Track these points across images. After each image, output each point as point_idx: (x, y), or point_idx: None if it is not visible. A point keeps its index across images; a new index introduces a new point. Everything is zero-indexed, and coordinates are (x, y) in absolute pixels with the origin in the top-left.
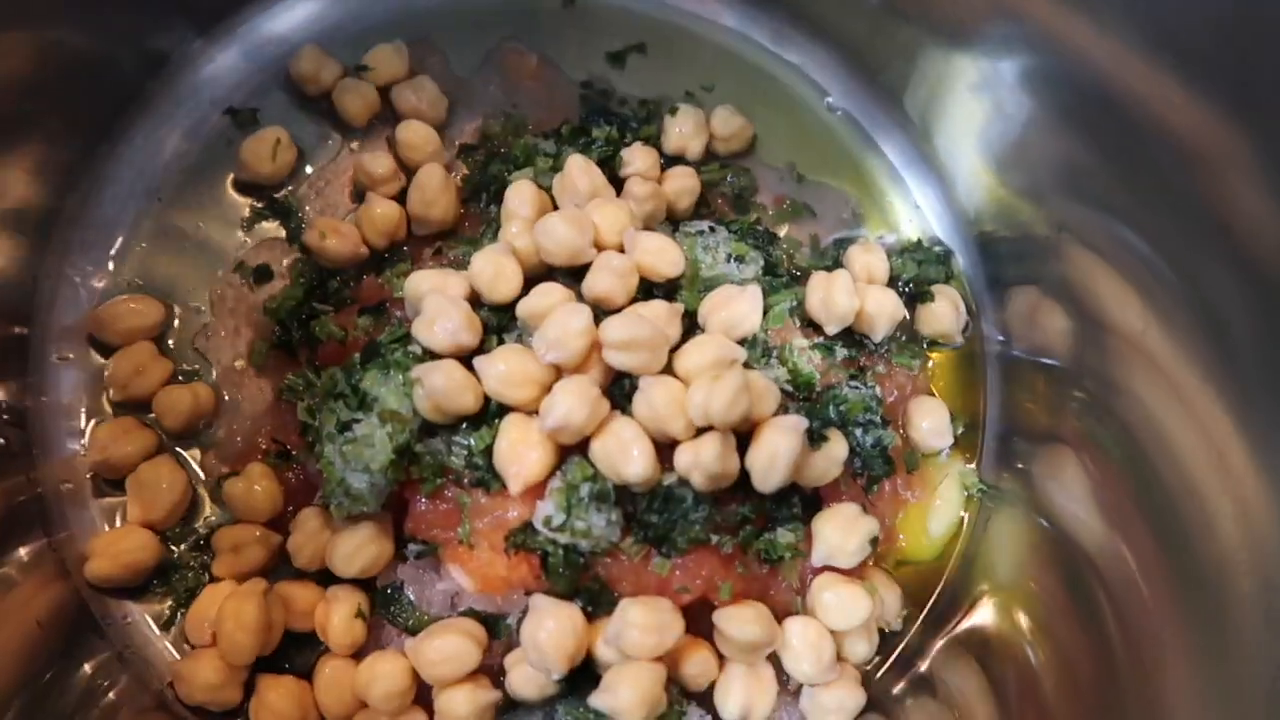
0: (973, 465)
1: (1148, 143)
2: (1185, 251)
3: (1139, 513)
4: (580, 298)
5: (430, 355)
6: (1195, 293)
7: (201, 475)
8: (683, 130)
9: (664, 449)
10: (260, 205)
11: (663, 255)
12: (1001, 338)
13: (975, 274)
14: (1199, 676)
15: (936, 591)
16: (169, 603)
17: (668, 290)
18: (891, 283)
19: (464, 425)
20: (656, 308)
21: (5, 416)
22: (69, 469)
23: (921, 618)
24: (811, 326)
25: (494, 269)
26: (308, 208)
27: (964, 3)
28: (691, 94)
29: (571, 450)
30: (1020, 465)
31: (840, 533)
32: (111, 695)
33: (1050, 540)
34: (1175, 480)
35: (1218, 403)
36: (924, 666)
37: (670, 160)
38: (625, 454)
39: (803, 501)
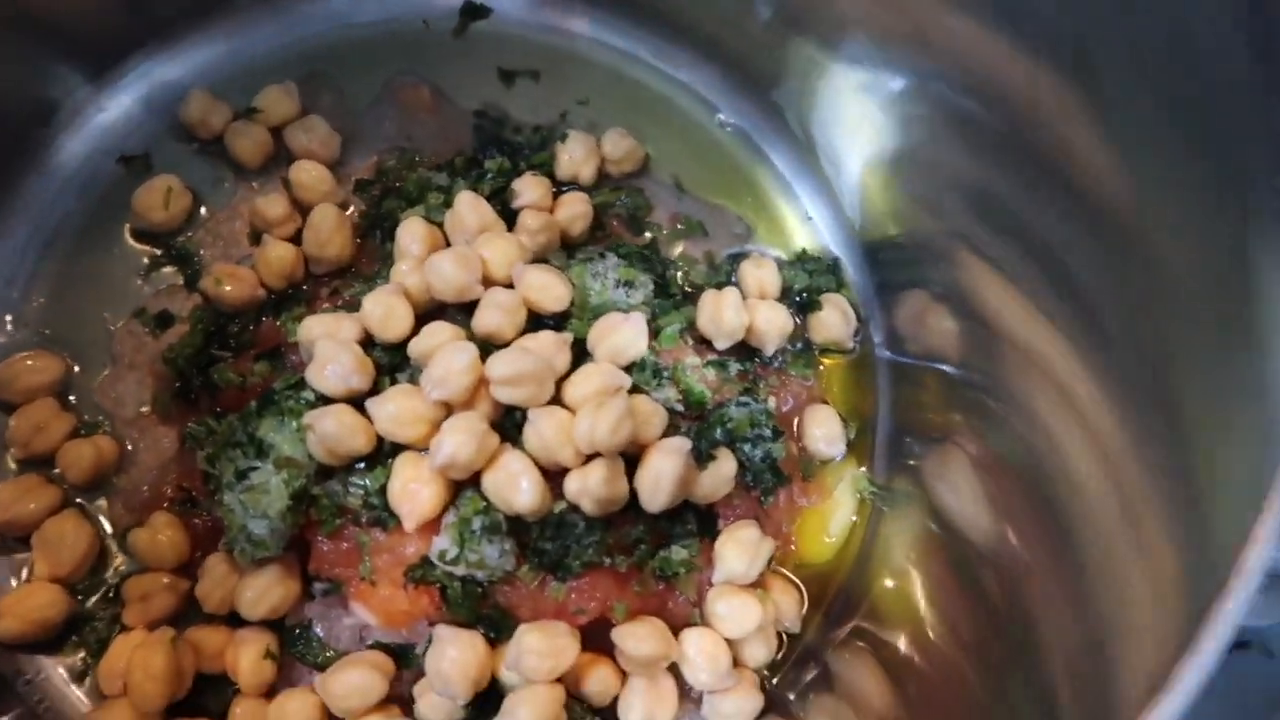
0: (865, 469)
1: (1033, 144)
2: (1067, 253)
3: (1026, 507)
4: (471, 334)
5: (324, 400)
6: (1077, 295)
7: (108, 526)
8: (574, 156)
9: (556, 476)
10: (158, 253)
11: (548, 291)
12: (891, 342)
13: (865, 281)
14: (1086, 662)
15: (833, 592)
16: (81, 655)
17: (557, 320)
18: (785, 294)
19: (359, 465)
20: (544, 339)
21: None
22: None
23: (820, 618)
24: (706, 344)
25: (384, 310)
26: (205, 252)
27: (846, 13)
28: (566, 114)
29: (464, 484)
30: (911, 464)
31: (742, 558)
32: None
33: (941, 536)
34: (1060, 475)
35: (1100, 400)
36: (823, 665)
37: (563, 186)
38: (515, 486)
39: (697, 516)
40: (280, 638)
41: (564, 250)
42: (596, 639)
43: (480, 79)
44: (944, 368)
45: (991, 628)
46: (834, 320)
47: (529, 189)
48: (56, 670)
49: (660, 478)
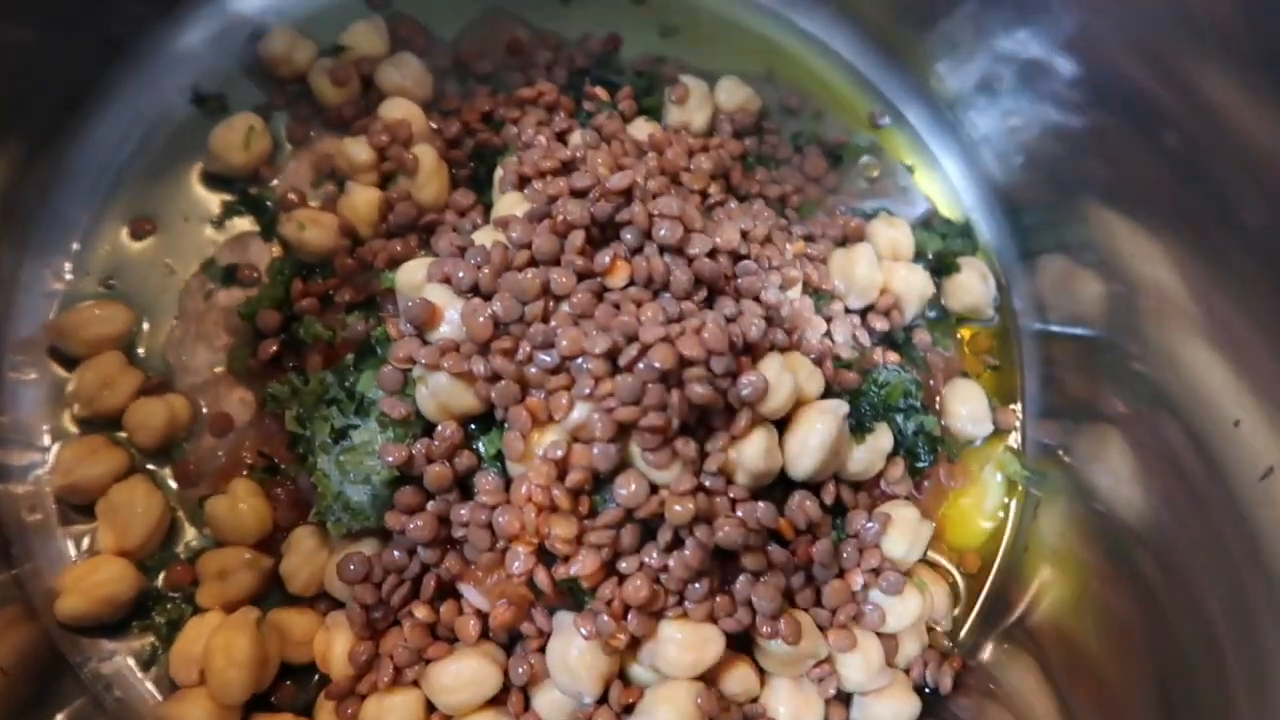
0: (1014, 450)
1: (1179, 103)
2: (1220, 211)
3: (1191, 489)
4: None
5: None
6: (1237, 251)
7: (179, 496)
8: (686, 103)
9: None
10: (232, 199)
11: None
12: (1036, 311)
13: (1004, 245)
14: (1270, 664)
15: (985, 584)
16: (150, 639)
17: None
18: (916, 258)
19: (471, 426)
20: None
21: None
22: (32, 496)
23: (972, 613)
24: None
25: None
26: (283, 198)
27: None
28: (664, 58)
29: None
30: (1063, 447)
31: (901, 540)
32: None
33: (1102, 525)
34: (1228, 450)
35: (1269, 359)
36: (978, 667)
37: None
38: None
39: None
40: None
41: None
42: (734, 635)
43: (581, 14)
44: (1093, 334)
45: (1165, 627)
46: (973, 284)
47: (641, 133)
48: (123, 657)
49: (809, 438)
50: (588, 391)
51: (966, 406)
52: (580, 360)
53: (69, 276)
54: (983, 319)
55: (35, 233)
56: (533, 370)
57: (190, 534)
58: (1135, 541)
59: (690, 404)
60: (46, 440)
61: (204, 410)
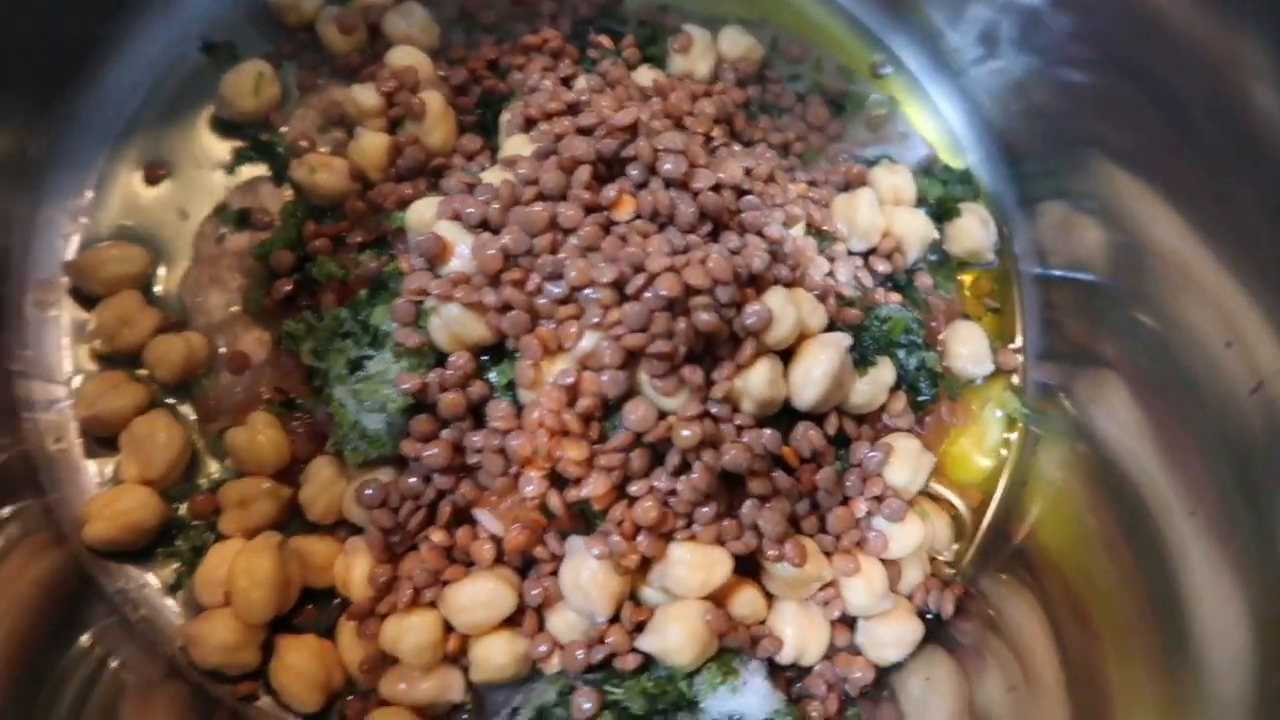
0: (1014, 388)
1: (1174, 56)
2: (1215, 163)
3: (1183, 433)
4: None
5: None
6: (1228, 205)
7: (201, 431)
8: (689, 51)
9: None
10: (243, 145)
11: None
12: (1036, 256)
13: (1004, 192)
14: (1255, 599)
15: (987, 519)
16: (175, 565)
17: None
18: (917, 205)
19: (483, 358)
20: None
21: None
22: (57, 428)
23: (972, 546)
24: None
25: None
26: (294, 145)
27: None
28: (667, 7)
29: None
30: (1062, 388)
31: (903, 469)
32: (115, 663)
33: (1098, 465)
34: (1217, 399)
35: (1260, 316)
36: (979, 595)
37: None
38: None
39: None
40: None
41: None
42: (742, 560)
43: None
44: (1092, 280)
45: (1155, 562)
46: (973, 228)
47: (645, 80)
48: (150, 580)
49: (813, 369)
50: (596, 320)
51: (967, 347)
52: (589, 290)
53: (84, 220)
54: (983, 263)
55: (51, 178)
56: (542, 301)
57: (213, 467)
58: (1129, 482)
59: (696, 331)
60: (70, 376)
61: (221, 350)
